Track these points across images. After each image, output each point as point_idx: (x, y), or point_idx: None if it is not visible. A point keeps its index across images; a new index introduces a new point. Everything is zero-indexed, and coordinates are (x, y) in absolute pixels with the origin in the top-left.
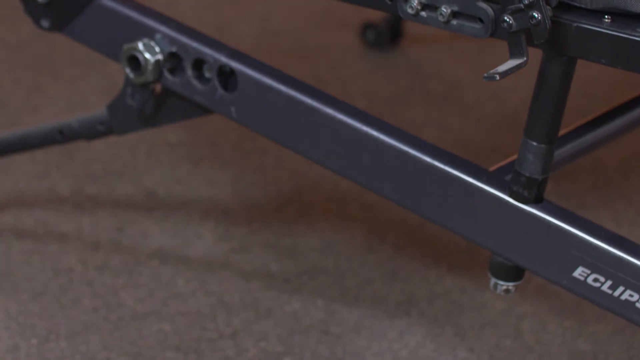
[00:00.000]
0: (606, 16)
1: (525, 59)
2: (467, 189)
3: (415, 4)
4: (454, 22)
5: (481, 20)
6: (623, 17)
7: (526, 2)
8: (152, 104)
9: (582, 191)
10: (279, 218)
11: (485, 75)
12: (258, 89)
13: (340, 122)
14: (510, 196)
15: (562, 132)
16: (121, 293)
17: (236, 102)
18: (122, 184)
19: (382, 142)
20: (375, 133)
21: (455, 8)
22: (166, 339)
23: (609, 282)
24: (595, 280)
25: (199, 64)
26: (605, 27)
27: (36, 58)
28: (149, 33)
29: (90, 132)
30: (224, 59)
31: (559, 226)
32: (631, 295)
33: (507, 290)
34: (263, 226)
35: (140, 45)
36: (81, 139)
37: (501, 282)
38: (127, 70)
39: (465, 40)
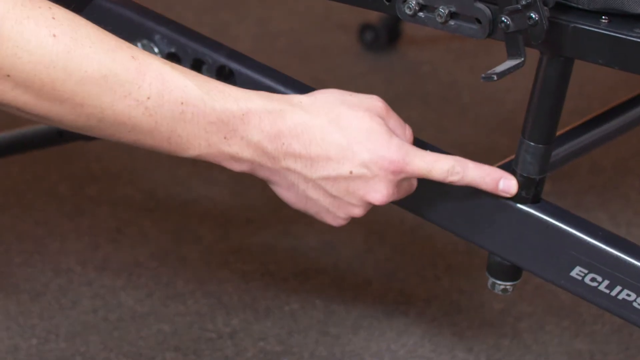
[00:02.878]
0: (603, 17)
1: (522, 59)
2: (465, 189)
3: (413, 5)
4: (452, 22)
5: (479, 21)
6: (620, 17)
7: (524, 2)
8: None
9: (580, 191)
10: (278, 218)
11: (483, 76)
12: (256, 89)
13: None
14: None
15: (559, 132)
16: (121, 293)
17: None
18: (121, 185)
19: None
20: None
21: (453, 9)
22: (165, 339)
23: (606, 282)
24: (593, 279)
25: (197, 64)
26: (602, 27)
27: None
28: (147, 34)
29: None
30: (222, 60)
31: (557, 226)
32: (628, 295)
33: (504, 290)
34: (262, 227)
35: (139, 46)
36: (80, 139)
37: (499, 282)
38: None
39: (462, 41)
